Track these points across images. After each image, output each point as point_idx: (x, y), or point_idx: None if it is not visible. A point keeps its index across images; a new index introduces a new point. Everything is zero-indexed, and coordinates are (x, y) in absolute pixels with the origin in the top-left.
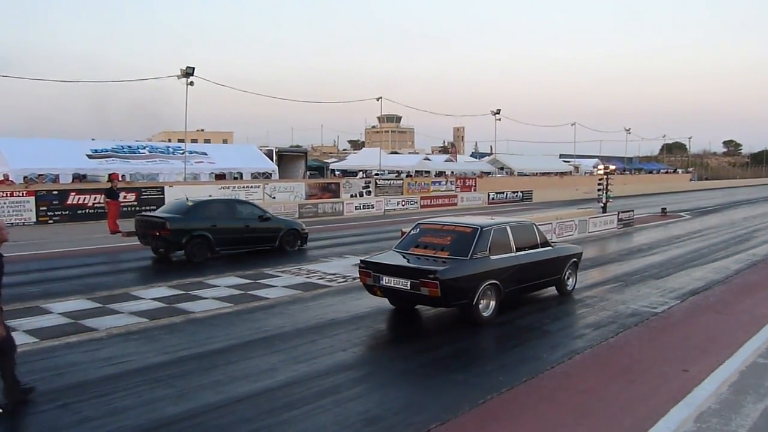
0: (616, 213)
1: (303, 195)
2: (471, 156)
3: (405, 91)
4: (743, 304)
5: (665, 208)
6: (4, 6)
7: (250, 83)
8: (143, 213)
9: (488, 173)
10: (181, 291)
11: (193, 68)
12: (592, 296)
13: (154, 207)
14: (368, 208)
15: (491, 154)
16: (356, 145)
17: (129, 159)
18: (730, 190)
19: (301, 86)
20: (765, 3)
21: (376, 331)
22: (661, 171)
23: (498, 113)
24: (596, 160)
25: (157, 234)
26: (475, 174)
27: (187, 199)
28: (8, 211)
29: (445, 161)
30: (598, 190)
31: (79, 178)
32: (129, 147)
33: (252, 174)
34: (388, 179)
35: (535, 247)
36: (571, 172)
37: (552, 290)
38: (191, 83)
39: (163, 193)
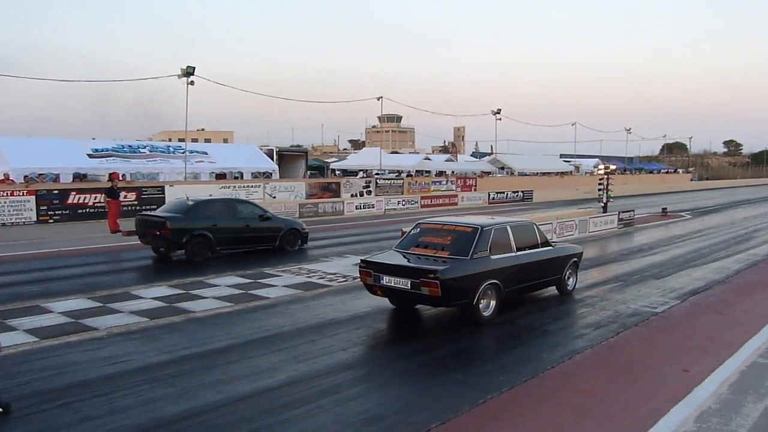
0: (617, 213)
1: (303, 195)
2: (471, 156)
3: (405, 91)
4: (743, 304)
5: (666, 208)
6: (5, 5)
7: (251, 83)
8: (144, 212)
9: (489, 173)
10: (182, 290)
11: (194, 68)
12: (592, 296)
13: (155, 206)
14: (368, 207)
15: (492, 153)
16: (357, 144)
17: (129, 158)
18: (731, 190)
19: (302, 86)
20: (765, 3)
21: (376, 331)
22: (662, 171)
23: (498, 113)
24: (597, 159)
25: (158, 233)
26: (475, 174)
27: (187, 198)
28: (8, 211)
29: (446, 161)
30: (599, 189)
31: (79, 177)
32: (129, 146)
33: (252, 173)
34: (388, 179)
35: (536, 246)
36: (571, 171)
37: (552, 290)
38: (192, 83)
39: (163, 193)
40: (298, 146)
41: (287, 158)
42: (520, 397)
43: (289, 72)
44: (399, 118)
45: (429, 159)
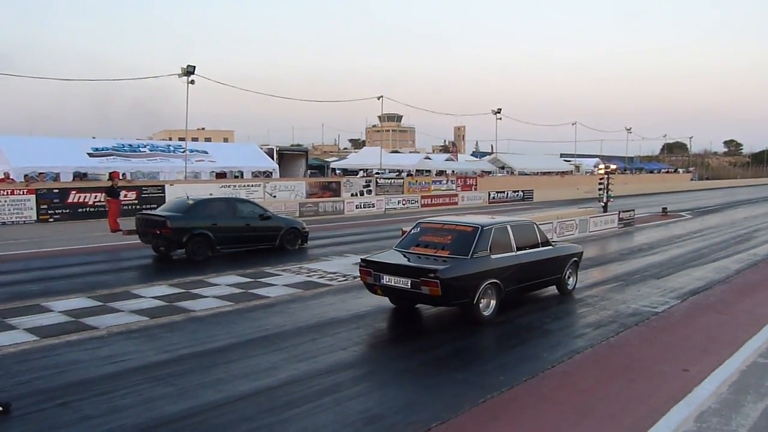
0: (617, 212)
1: (303, 194)
2: (472, 155)
3: (406, 90)
4: (744, 304)
5: (666, 208)
6: (5, 5)
7: (251, 82)
8: (144, 211)
9: (489, 172)
10: (182, 289)
11: (194, 67)
12: (592, 295)
13: (155, 205)
14: (369, 207)
15: (492, 153)
16: (357, 144)
17: (130, 157)
18: (731, 190)
19: (302, 85)
20: (765, 3)
21: (376, 330)
22: (662, 171)
23: (499, 112)
24: (597, 159)
25: (158, 232)
26: (475, 173)
27: (187, 197)
28: (9, 209)
29: (446, 160)
30: (599, 189)
31: (79, 176)
32: (130, 145)
33: (253, 173)
34: (388, 178)
35: (536, 246)
36: (571, 171)
37: (552, 289)
38: (192, 82)
39: (163, 192)
40: (299, 145)
41: (287, 157)
42: (520, 397)
43: (290, 71)
44: (399, 118)
45: (429, 158)
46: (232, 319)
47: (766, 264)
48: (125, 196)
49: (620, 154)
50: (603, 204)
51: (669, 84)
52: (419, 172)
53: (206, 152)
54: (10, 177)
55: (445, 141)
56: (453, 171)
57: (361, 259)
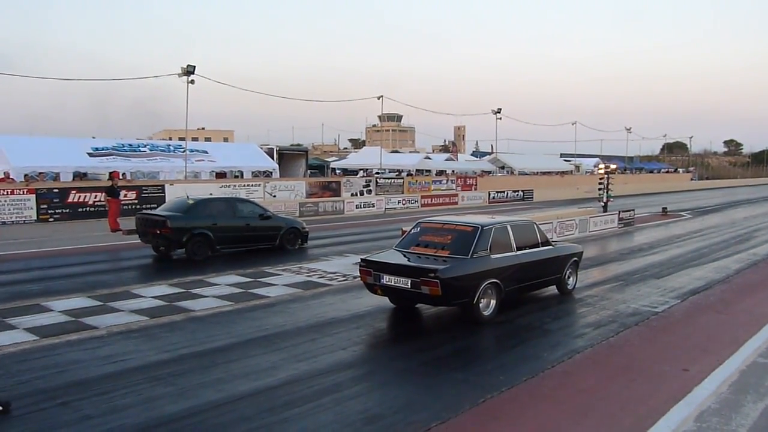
0: (617, 212)
1: (303, 194)
2: (472, 155)
3: (406, 90)
4: (744, 304)
5: (666, 208)
6: (5, 5)
7: (251, 82)
8: (144, 211)
9: (489, 172)
10: (182, 289)
11: (194, 66)
12: (592, 295)
13: (155, 205)
14: (369, 206)
15: (492, 153)
16: (357, 143)
17: (130, 157)
18: (731, 190)
19: (302, 85)
20: (765, 3)
21: (376, 330)
22: (662, 170)
23: (499, 112)
24: (597, 159)
25: (158, 232)
26: (475, 173)
27: (187, 197)
28: (9, 209)
29: (446, 160)
30: (599, 189)
31: (79, 176)
32: (130, 145)
33: (253, 172)
34: (388, 178)
35: (536, 246)
36: (571, 171)
37: (552, 289)
38: (192, 81)
39: (163, 192)
40: (299, 145)
41: (287, 157)
42: (520, 396)
43: (290, 71)
44: (399, 118)
45: (429, 158)
46: (232, 318)
47: (766, 264)
48: (125, 195)
49: (620, 153)
50: (603, 204)
51: (669, 84)
52: (419, 171)
53: (206, 152)
54: (10, 177)
55: (445, 141)
56: (453, 171)
57: (361, 258)
